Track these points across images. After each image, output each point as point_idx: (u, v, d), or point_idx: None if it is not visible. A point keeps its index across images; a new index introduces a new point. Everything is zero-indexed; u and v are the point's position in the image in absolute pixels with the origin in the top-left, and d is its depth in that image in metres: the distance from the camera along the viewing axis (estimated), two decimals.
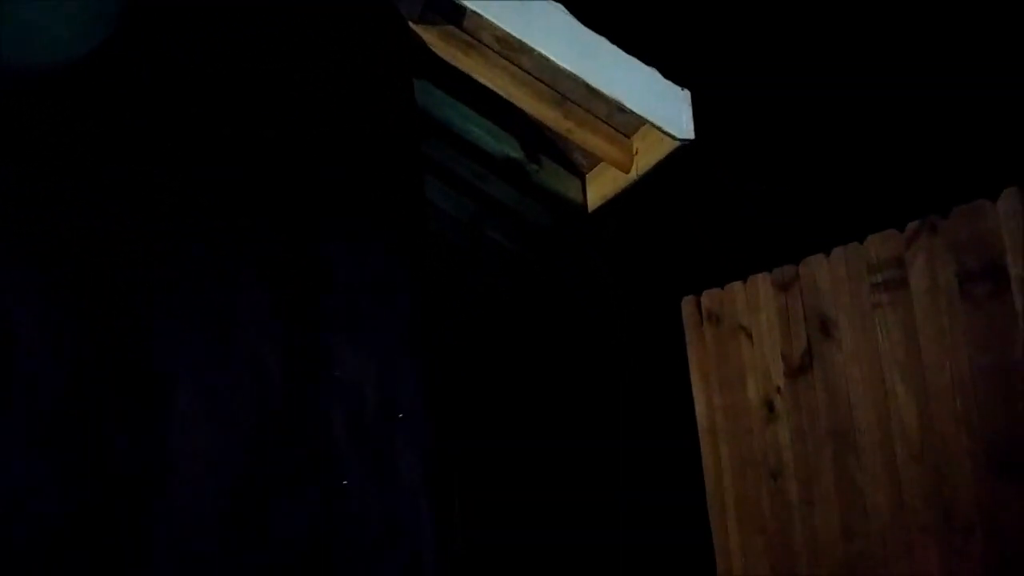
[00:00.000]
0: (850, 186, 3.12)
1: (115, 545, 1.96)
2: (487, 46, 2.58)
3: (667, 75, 2.44)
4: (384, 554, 2.28)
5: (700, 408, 3.24)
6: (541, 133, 2.90)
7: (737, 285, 3.08)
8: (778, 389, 2.90)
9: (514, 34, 2.37)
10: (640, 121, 2.60)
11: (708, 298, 3.21)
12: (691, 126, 2.43)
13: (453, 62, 2.60)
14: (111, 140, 2.11)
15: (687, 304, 3.29)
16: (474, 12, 2.34)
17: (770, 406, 2.94)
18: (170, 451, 2.08)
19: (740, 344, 3.07)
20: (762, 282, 2.98)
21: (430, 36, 2.57)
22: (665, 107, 2.46)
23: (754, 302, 3.01)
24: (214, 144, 2.27)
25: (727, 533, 3.13)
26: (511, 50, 2.54)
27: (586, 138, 2.76)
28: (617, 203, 2.97)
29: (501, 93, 2.67)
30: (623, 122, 2.70)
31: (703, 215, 3.10)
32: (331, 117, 2.44)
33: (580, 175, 3.13)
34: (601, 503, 3.56)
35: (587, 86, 2.45)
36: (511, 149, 3.03)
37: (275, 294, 2.28)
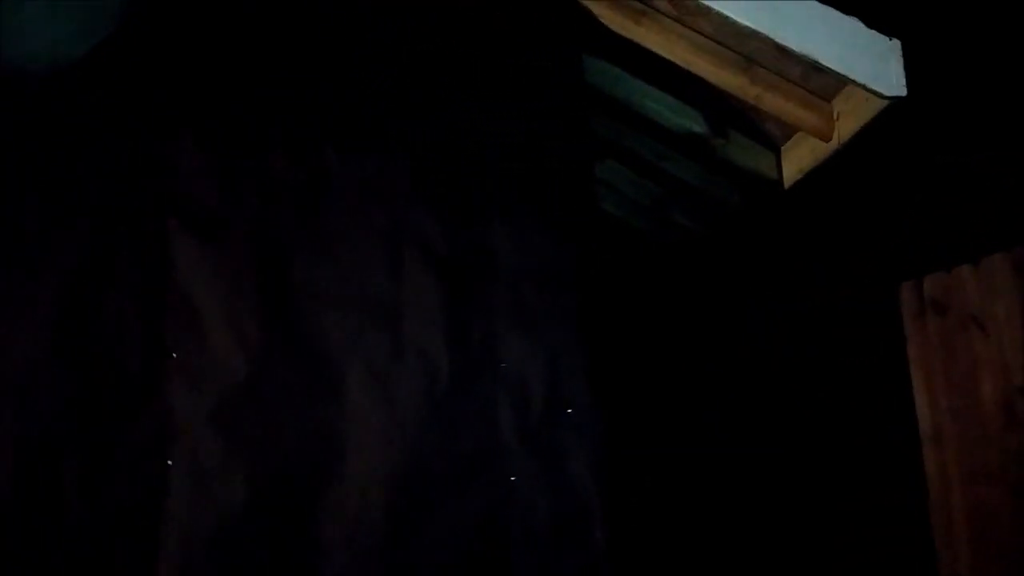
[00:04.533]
0: None
1: (286, 534, 2.00)
2: (661, 12, 2.36)
3: (871, 24, 2.09)
4: (554, 555, 2.17)
5: (922, 411, 2.83)
6: (727, 103, 2.63)
7: (967, 268, 2.65)
8: (1020, 391, 2.45)
9: None
10: (841, 81, 2.27)
11: (931, 284, 2.78)
12: (903, 81, 2.07)
13: (624, 33, 2.42)
14: (276, 126, 2.16)
15: (907, 291, 2.87)
16: None
17: (1010, 410, 2.49)
18: (340, 441, 2.09)
19: (972, 338, 2.63)
20: (999, 264, 2.53)
21: (597, 7, 2.40)
22: (870, 62, 2.12)
23: (989, 288, 2.57)
24: (379, 133, 2.26)
25: (957, 559, 2.70)
26: (688, 13, 2.31)
27: (778, 105, 2.46)
28: (818, 177, 2.63)
29: (679, 63, 2.44)
30: (820, 84, 2.37)
31: (922, 186, 2.66)
32: (494, 102, 2.36)
33: (775, 148, 2.81)
34: (790, 514, 3.21)
35: (776, 45, 2.17)
36: (694, 123, 2.79)
37: (442, 284, 2.24)
